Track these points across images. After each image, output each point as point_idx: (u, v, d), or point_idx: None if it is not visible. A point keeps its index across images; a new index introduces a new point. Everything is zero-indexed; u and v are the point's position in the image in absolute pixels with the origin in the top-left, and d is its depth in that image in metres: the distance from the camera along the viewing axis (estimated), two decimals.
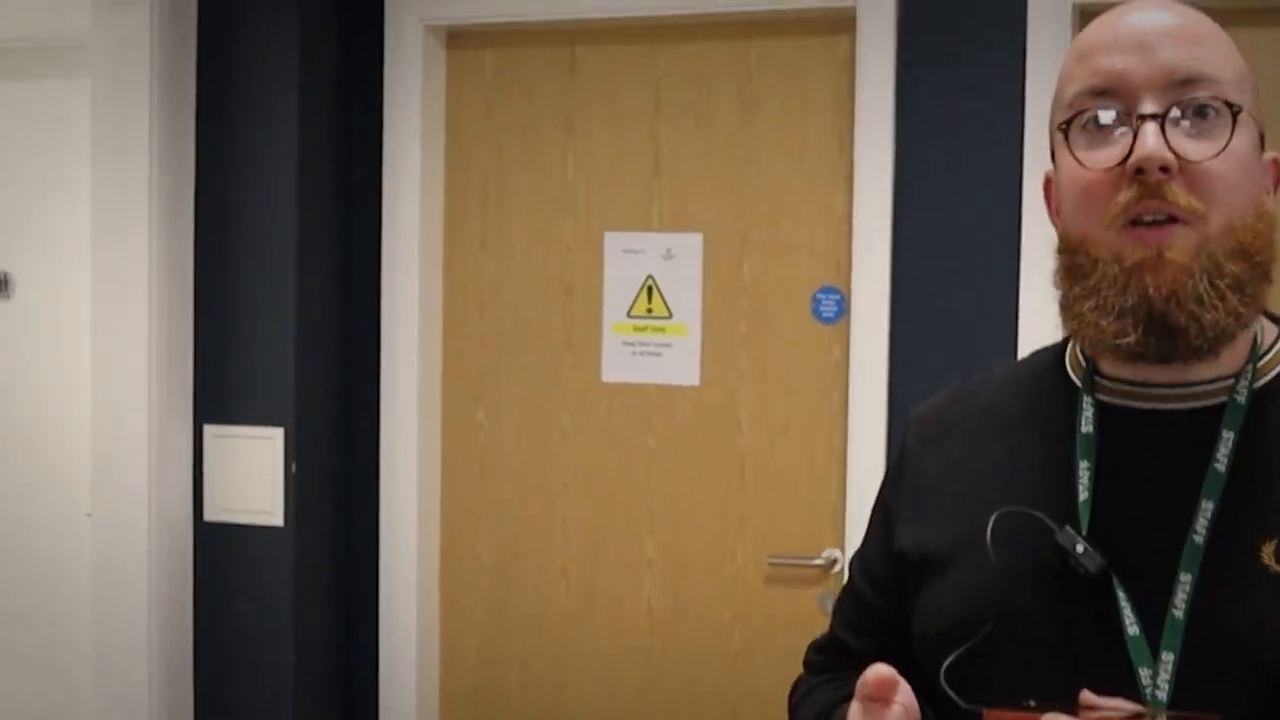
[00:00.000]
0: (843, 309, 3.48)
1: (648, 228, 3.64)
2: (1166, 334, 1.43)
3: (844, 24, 3.44)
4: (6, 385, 4.39)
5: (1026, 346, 3.24)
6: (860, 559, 1.79)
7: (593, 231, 3.69)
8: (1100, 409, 1.54)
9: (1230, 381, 1.50)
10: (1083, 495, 1.50)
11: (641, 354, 3.66)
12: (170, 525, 3.59)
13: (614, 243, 3.67)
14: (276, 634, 3.59)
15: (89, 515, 3.68)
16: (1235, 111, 1.45)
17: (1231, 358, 1.49)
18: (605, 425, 3.70)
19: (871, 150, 3.36)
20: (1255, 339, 1.52)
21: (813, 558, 3.52)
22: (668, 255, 3.62)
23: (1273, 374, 1.52)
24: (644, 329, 3.65)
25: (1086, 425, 1.54)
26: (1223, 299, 1.43)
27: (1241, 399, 1.49)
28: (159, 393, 3.55)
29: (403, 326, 3.72)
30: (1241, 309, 1.44)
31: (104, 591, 3.60)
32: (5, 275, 4.40)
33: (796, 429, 3.54)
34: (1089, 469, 1.51)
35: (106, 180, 3.57)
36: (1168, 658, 1.41)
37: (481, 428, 3.79)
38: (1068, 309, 1.50)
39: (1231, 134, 1.44)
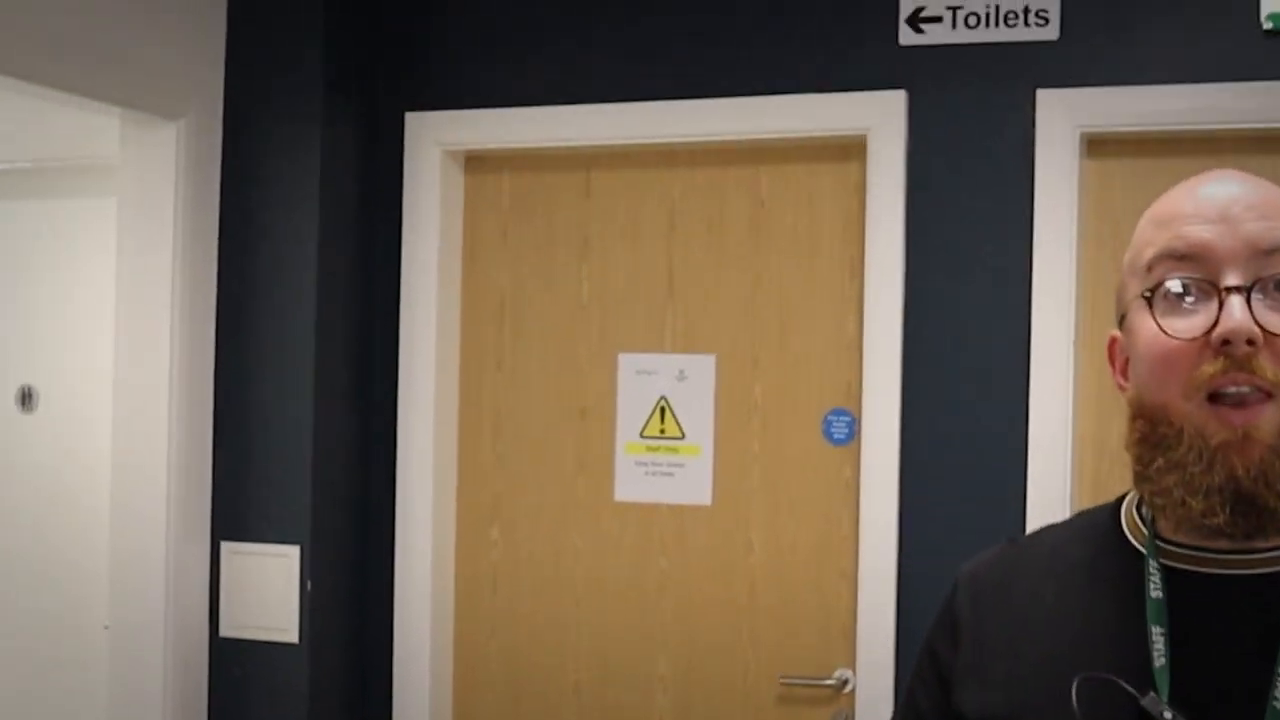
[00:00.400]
0: (853, 431, 3.51)
1: (661, 349, 3.69)
2: (1255, 514, 1.43)
3: (855, 150, 3.50)
4: (28, 497, 4.45)
5: (1036, 473, 3.28)
6: (905, 716, 1.76)
7: (607, 352, 3.74)
8: (1167, 574, 1.52)
9: None
10: (1159, 661, 1.47)
11: (654, 474, 3.69)
12: (186, 640, 3.61)
13: (628, 364, 3.72)
14: None
15: (107, 628, 3.70)
16: None
17: None
18: (618, 544, 3.73)
19: (881, 275, 3.41)
20: None
21: (824, 678, 3.53)
22: (681, 376, 3.67)
23: None
24: (657, 449, 3.69)
25: (1155, 590, 1.51)
26: None
27: None
28: (177, 509, 3.59)
29: (418, 445, 3.76)
30: None
31: (121, 704, 3.61)
32: (29, 389, 4.47)
33: (807, 549, 3.57)
34: (1163, 634, 1.48)
35: (130, 297, 3.62)
36: None
37: (495, 545, 3.83)
38: (1150, 480, 1.49)
39: None
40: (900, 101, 3.41)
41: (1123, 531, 1.60)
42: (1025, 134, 3.32)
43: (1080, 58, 3.30)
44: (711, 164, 3.66)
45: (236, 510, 3.66)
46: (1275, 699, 1.41)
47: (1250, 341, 1.41)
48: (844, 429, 3.53)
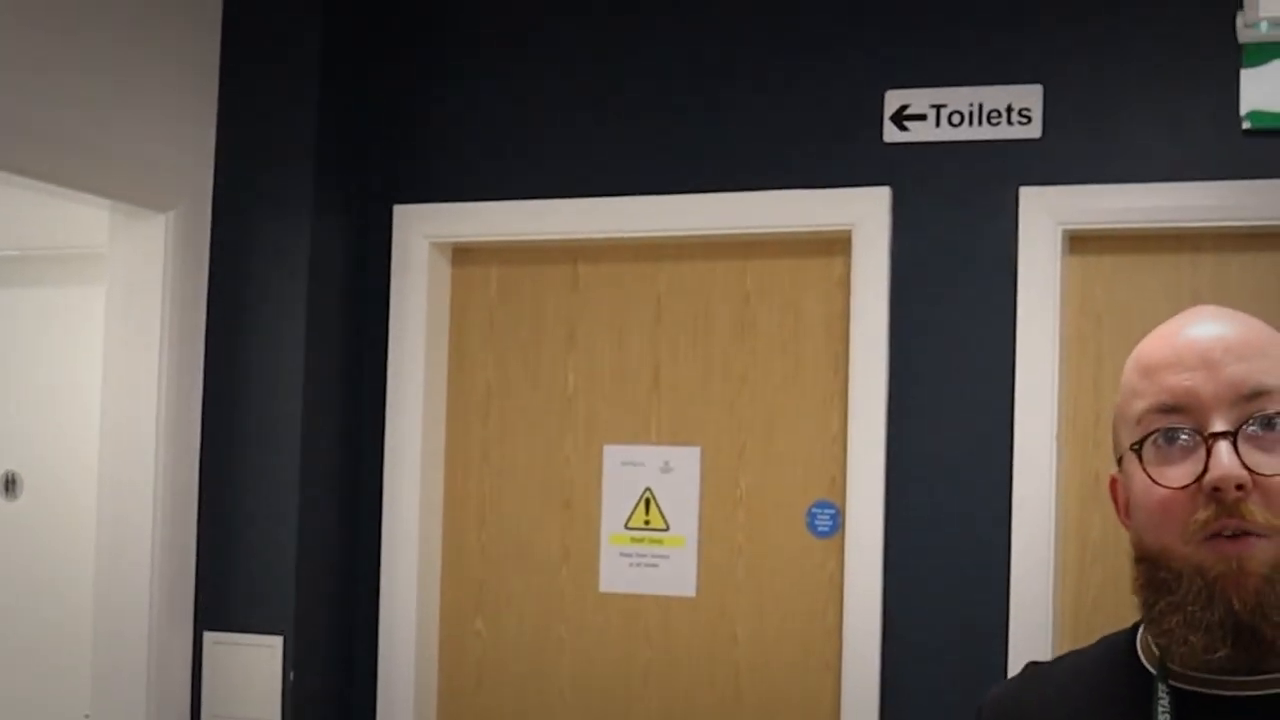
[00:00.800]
0: (837, 523, 3.53)
1: (647, 440, 3.71)
2: (1256, 646, 1.46)
3: (839, 246, 3.53)
4: (10, 585, 4.44)
5: (1019, 567, 3.29)
6: None
7: (592, 444, 3.75)
8: (1176, 696, 1.55)
9: None
10: None
11: (639, 565, 3.70)
12: None
13: (613, 455, 3.73)
14: None
15: (87, 717, 3.68)
16: None
17: None
18: (602, 635, 3.73)
19: (865, 369, 3.44)
20: None
21: None
22: (666, 468, 3.68)
23: None
24: (641, 540, 3.70)
25: (1164, 713, 1.55)
26: None
27: None
28: (161, 597, 3.58)
29: (403, 536, 3.77)
30: None
31: None
32: (12, 475, 4.47)
33: (792, 641, 3.57)
34: None
35: (116, 385, 3.63)
36: None
37: (480, 636, 3.82)
38: (1154, 622, 1.54)
39: None
40: (885, 198, 3.44)
41: (1137, 655, 1.64)
42: (1008, 230, 3.36)
43: (1062, 155, 3.34)
44: (698, 258, 3.69)
45: (220, 600, 3.66)
46: None
47: (1240, 486, 1.45)
48: (828, 521, 3.54)
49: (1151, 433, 1.52)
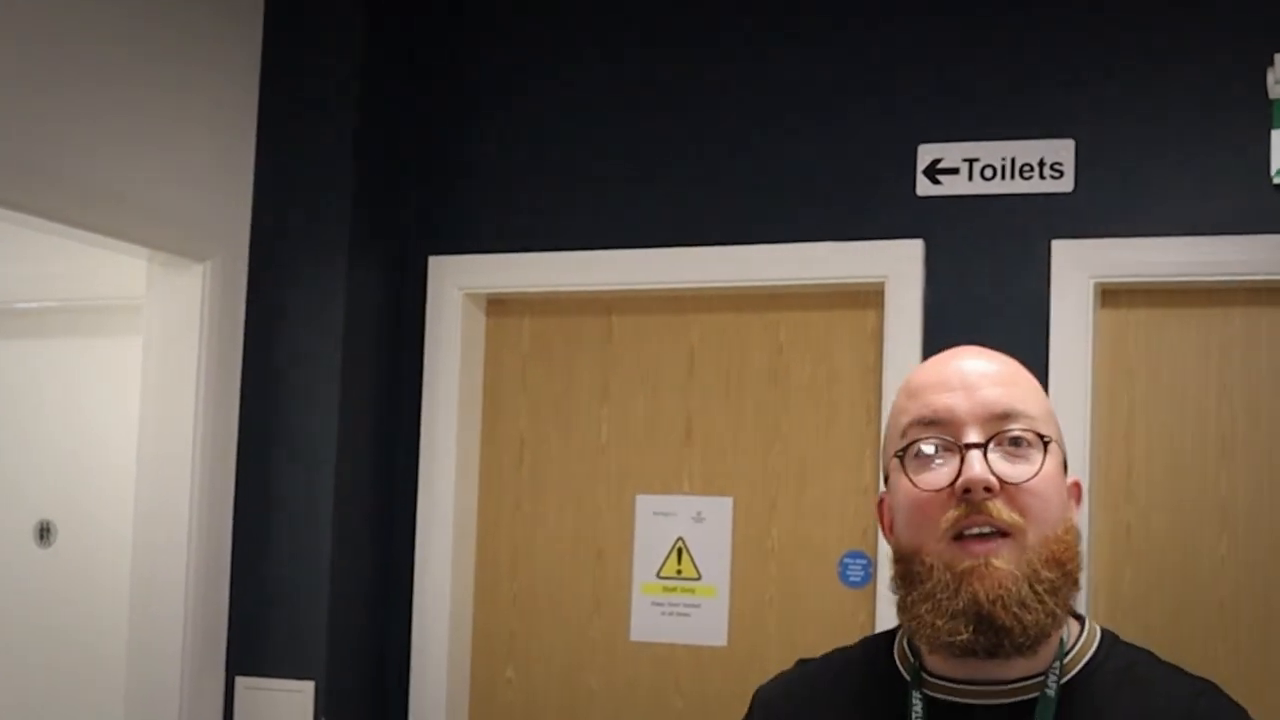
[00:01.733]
0: (869, 574, 3.54)
1: (679, 490, 3.73)
2: (994, 632, 1.62)
3: (872, 298, 3.56)
4: (44, 631, 4.46)
5: None
6: None
7: (625, 494, 3.78)
8: (928, 703, 1.73)
9: (1042, 678, 1.69)
10: None
11: (670, 614, 3.71)
12: None
13: (645, 505, 3.75)
14: None
15: None
16: (1046, 441, 1.69)
17: (1045, 652, 1.69)
18: (633, 684, 3.73)
19: None
20: (1062, 638, 1.72)
21: None
22: (698, 518, 3.70)
23: (1078, 668, 1.73)
24: (673, 589, 3.71)
25: (916, 718, 1.72)
26: (1040, 602, 1.63)
27: (1051, 693, 1.68)
28: (193, 643, 3.59)
29: (435, 583, 3.78)
30: (1056, 610, 1.65)
31: None
32: (47, 524, 4.49)
33: None
34: None
35: (152, 433, 3.65)
36: None
37: (511, 684, 3.83)
38: (906, 610, 1.69)
39: (1043, 460, 1.68)
40: (917, 250, 3.47)
41: (894, 662, 1.81)
42: (1040, 283, 3.38)
43: (1095, 209, 3.37)
44: (731, 309, 3.72)
45: (252, 645, 3.67)
46: None
47: (988, 489, 1.64)
48: (860, 571, 3.55)
49: (913, 443, 1.71)
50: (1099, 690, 1.71)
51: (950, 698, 1.72)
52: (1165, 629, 3.23)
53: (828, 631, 3.57)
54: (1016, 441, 1.68)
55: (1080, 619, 1.79)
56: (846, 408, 3.60)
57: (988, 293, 3.43)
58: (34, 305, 4.45)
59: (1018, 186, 3.42)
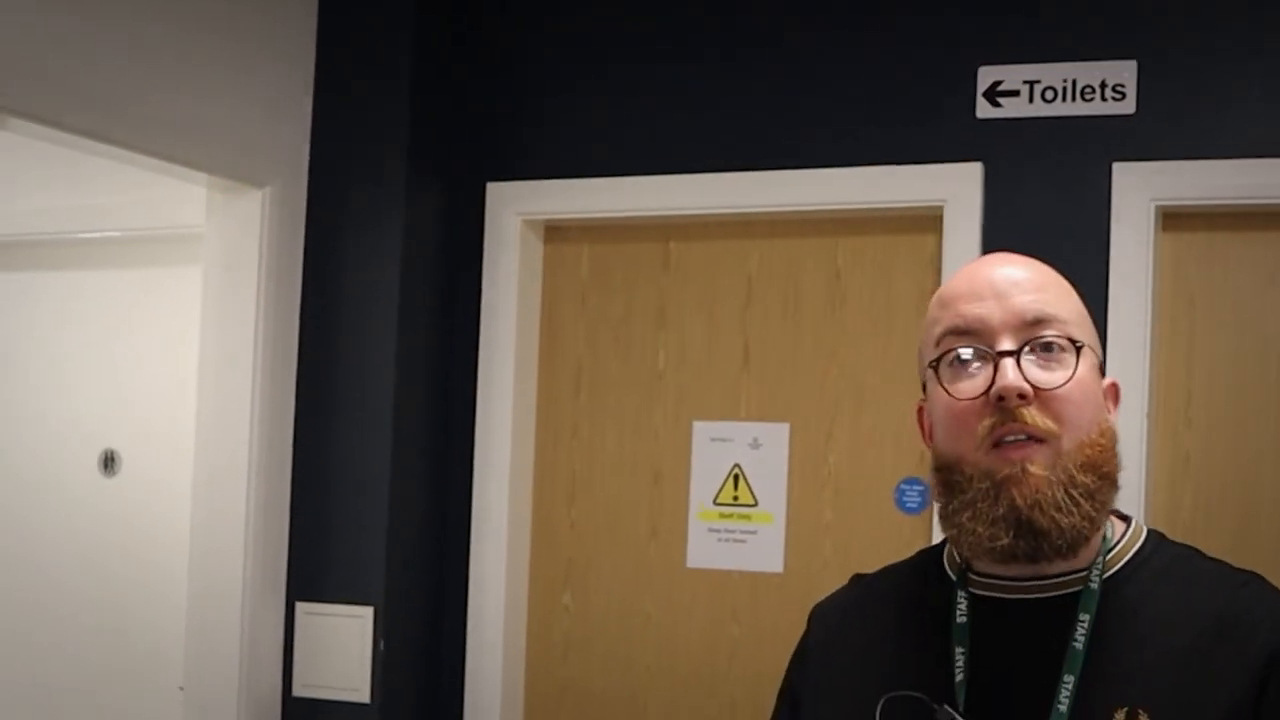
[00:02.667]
0: (926, 500, 3.52)
1: (736, 417, 3.72)
2: (1032, 535, 1.67)
3: (931, 223, 3.53)
4: (107, 560, 4.51)
5: None
6: None
7: (682, 420, 3.77)
8: (973, 601, 1.77)
9: (1085, 573, 1.73)
10: (959, 676, 1.73)
11: (726, 541, 3.71)
12: (260, 700, 3.65)
13: (702, 431, 3.75)
14: None
15: (182, 689, 3.74)
16: (1079, 346, 1.72)
17: (1086, 552, 1.73)
18: (689, 611, 3.74)
19: None
20: (1105, 534, 1.76)
21: None
22: (755, 444, 3.69)
23: (1121, 563, 1.76)
24: (730, 516, 3.71)
25: (961, 616, 1.77)
26: (1077, 505, 1.67)
27: (1095, 586, 1.72)
28: (254, 570, 3.63)
29: (493, 509, 3.80)
30: (1093, 514, 1.70)
31: None
32: (112, 453, 4.53)
33: None
34: (963, 653, 1.74)
35: (212, 361, 3.69)
36: None
37: (568, 611, 3.85)
38: (948, 519, 1.75)
39: (1076, 365, 1.71)
40: (976, 174, 3.44)
41: (944, 566, 1.86)
42: (1101, 207, 3.34)
43: (1157, 131, 3.32)
44: (789, 235, 3.70)
45: (312, 571, 3.70)
46: (1059, 703, 1.66)
47: (1021, 396, 1.68)
48: (916, 498, 3.54)
49: (947, 352, 1.74)
50: (1142, 584, 1.74)
51: (995, 594, 1.76)
52: (1224, 557, 3.19)
53: (884, 558, 3.49)
54: (1049, 347, 1.71)
55: (1126, 518, 1.83)
56: (904, 333, 3.58)
57: (1047, 216, 3.39)
58: (97, 235, 4.48)
59: (1079, 109, 3.37)
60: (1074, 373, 1.70)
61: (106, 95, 3.20)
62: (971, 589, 1.78)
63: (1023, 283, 1.75)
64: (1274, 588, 1.76)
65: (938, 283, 3.49)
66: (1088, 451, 1.70)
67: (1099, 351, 1.77)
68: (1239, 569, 1.80)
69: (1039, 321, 1.71)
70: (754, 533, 3.69)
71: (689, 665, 3.73)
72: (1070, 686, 1.66)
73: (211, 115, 3.48)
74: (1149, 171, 3.31)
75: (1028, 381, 1.68)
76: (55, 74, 3.08)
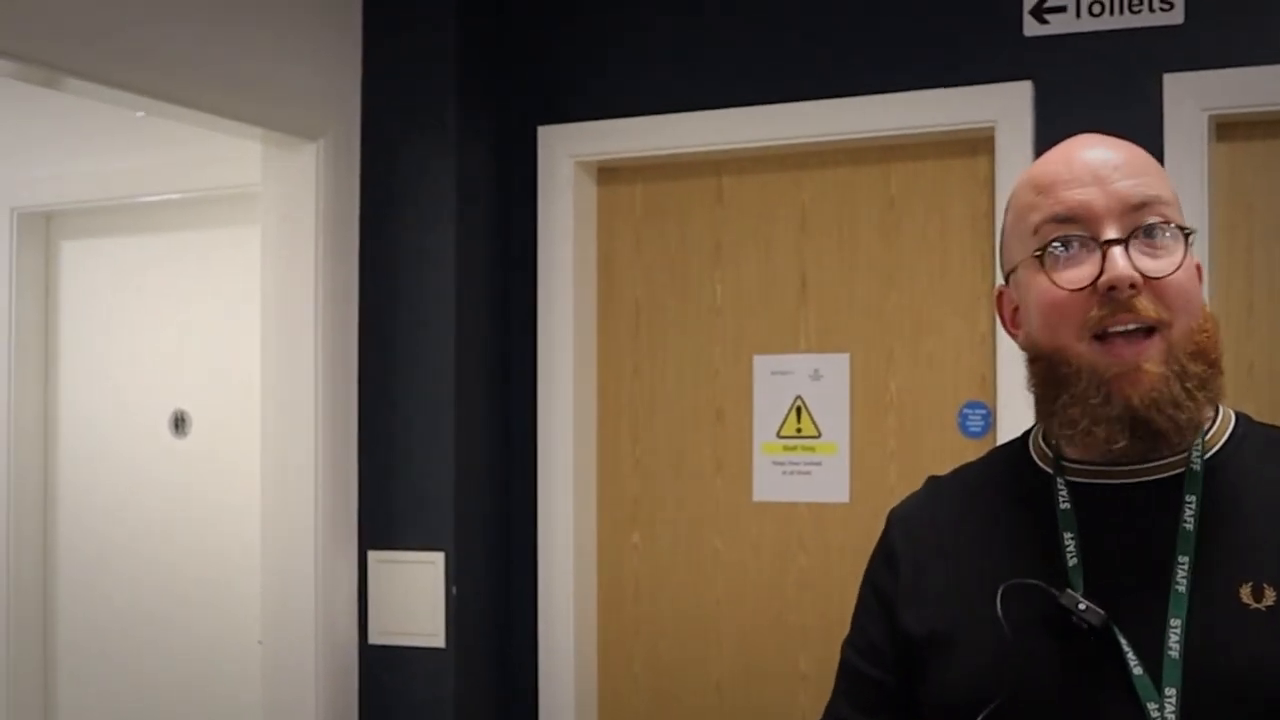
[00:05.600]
0: (989, 423, 3.52)
1: (796, 349, 3.73)
2: (1150, 436, 1.65)
3: (983, 145, 3.51)
4: (182, 519, 4.57)
5: None
6: (856, 645, 1.93)
7: (742, 355, 3.78)
8: (1073, 489, 1.73)
9: (1184, 455, 1.69)
10: (1072, 562, 1.69)
11: (791, 473, 3.72)
12: (336, 649, 3.69)
13: (763, 365, 3.76)
14: None
15: (261, 643, 3.79)
16: (1186, 233, 1.69)
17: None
18: (757, 544, 3.76)
19: None
20: None
21: None
22: (816, 375, 3.70)
23: (1220, 444, 1.72)
24: (794, 448, 3.72)
25: (1064, 503, 1.73)
26: (1192, 399, 1.65)
27: (1198, 468, 1.68)
28: (325, 522, 3.67)
29: (559, 451, 3.83)
30: (1207, 403, 1.68)
31: (276, 714, 3.71)
32: (182, 414, 4.58)
33: None
34: (1073, 539, 1.71)
35: (275, 316, 3.73)
36: (1170, 693, 1.59)
37: (637, 549, 3.87)
38: (1057, 413, 1.69)
39: (1185, 252, 1.67)
40: (1026, 93, 3.42)
41: (1032, 458, 1.82)
42: (1153, 120, 3.31)
43: (1206, 40, 3.29)
44: (840, 164, 3.69)
45: (382, 520, 3.74)
46: (1177, 583, 1.63)
47: (1132, 286, 1.63)
48: (979, 422, 3.53)
49: (1051, 241, 1.68)
50: (1242, 463, 1.71)
51: (1093, 480, 1.73)
52: None
53: None
54: (1152, 233, 1.66)
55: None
56: (960, 257, 3.57)
57: (1099, 129, 3.35)
58: (158, 198, 4.52)
59: (1126, 21, 3.35)
60: (1183, 259, 1.66)
61: (158, 53, 3.23)
62: (1069, 477, 1.74)
63: (1123, 166, 1.70)
64: None
65: (991, 205, 3.48)
66: (1197, 339, 1.66)
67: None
68: None
69: (1144, 206, 1.67)
70: (819, 464, 3.69)
71: (759, 598, 3.75)
72: (1186, 567, 1.63)
73: (263, 70, 3.50)
74: (1200, 81, 3.28)
75: (1136, 270, 1.64)
76: (108, 33, 3.11)
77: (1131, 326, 1.64)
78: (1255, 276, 3.33)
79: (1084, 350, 1.65)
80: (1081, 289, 1.65)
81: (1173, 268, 1.65)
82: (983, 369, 3.53)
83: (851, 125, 3.59)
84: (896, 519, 1.94)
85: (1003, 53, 3.45)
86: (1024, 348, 1.76)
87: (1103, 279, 1.64)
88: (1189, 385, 1.64)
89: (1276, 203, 3.32)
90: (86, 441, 4.77)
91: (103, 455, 4.74)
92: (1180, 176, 3.26)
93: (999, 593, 1.67)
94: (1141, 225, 1.66)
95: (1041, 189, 1.72)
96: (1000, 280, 1.83)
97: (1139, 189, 1.67)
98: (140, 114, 3.54)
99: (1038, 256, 1.69)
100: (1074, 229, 1.67)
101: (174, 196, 4.50)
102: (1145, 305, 1.63)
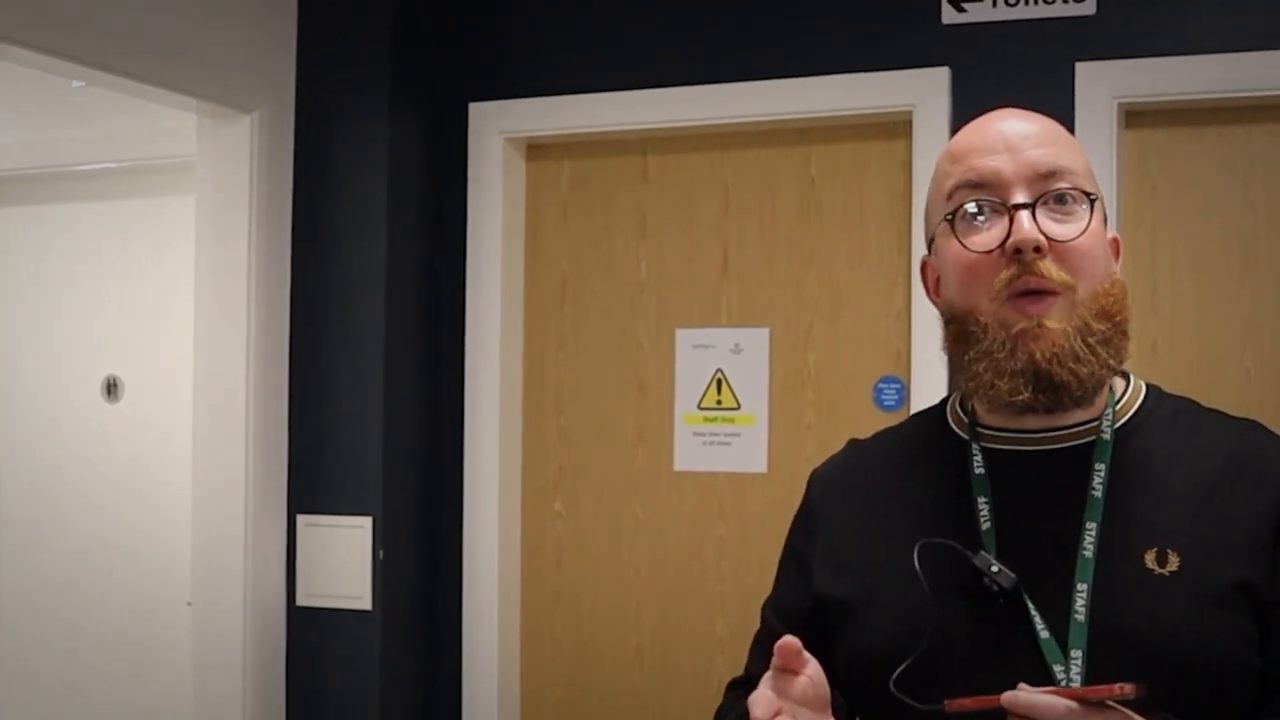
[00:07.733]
0: (903, 397, 3.62)
1: (717, 324, 3.82)
2: (1052, 389, 1.71)
3: (901, 129, 3.61)
4: (114, 483, 4.61)
5: None
6: (774, 606, 2.02)
7: (664, 329, 3.87)
8: (987, 454, 1.81)
9: (1095, 424, 1.78)
10: (985, 526, 1.76)
11: (711, 444, 3.81)
12: (264, 610, 3.75)
13: (685, 338, 3.84)
14: (364, 713, 3.73)
15: (189, 604, 3.84)
16: (1092, 199, 1.76)
17: (1098, 403, 1.78)
18: (677, 512, 3.85)
19: None
20: (1111, 388, 1.80)
21: None
22: (736, 349, 3.79)
23: (1129, 414, 1.81)
24: (714, 419, 3.81)
25: (979, 468, 1.80)
26: (1094, 354, 1.72)
27: (1108, 436, 1.77)
28: (255, 486, 3.73)
29: (485, 421, 3.90)
30: (1110, 360, 1.74)
31: (203, 675, 3.76)
32: (115, 379, 4.63)
33: None
34: (987, 503, 1.77)
35: (208, 285, 3.77)
36: (1076, 655, 1.66)
37: (560, 517, 3.96)
38: (964, 370, 1.77)
39: (1090, 218, 1.74)
40: (944, 78, 3.52)
41: (948, 424, 1.90)
42: (1065, 107, 3.39)
43: (1118, 30, 3.39)
44: (763, 145, 3.78)
45: (311, 485, 3.80)
46: (1084, 548, 1.70)
47: (1037, 249, 1.70)
48: (894, 396, 3.63)
49: (961, 205, 1.76)
50: (1151, 433, 1.79)
51: (1008, 446, 1.80)
52: None
53: None
54: (1062, 199, 1.73)
55: (1125, 375, 1.85)
56: (878, 236, 3.67)
57: None
58: (94, 167, 4.55)
59: (1041, 11, 3.45)
60: (1088, 224, 1.73)
61: (95, 22, 3.26)
62: (984, 443, 1.82)
63: (1033, 136, 1.77)
64: (1273, 433, 1.82)
65: (909, 187, 3.58)
66: (1102, 300, 1.72)
67: (1104, 205, 1.79)
68: (1238, 416, 1.86)
69: (1052, 174, 1.73)
70: (738, 435, 3.79)
71: (679, 566, 3.84)
72: (1093, 533, 1.69)
73: (200, 43, 3.55)
74: (1110, 70, 3.39)
75: (1043, 234, 1.70)
76: (47, 1, 3.15)
77: (1038, 289, 1.70)
78: (1159, 257, 3.44)
79: (994, 309, 1.72)
80: (989, 251, 1.72)
81: (1078, 232, 1.72)
82: (898, 344, 3.63)
83: (774, 107, 3.67)
84: (816, 479, 2.02)
85: (922, 39, 3.55)
86: (942, 312, 1.83)
87: (1010, 241, 1.70)
88: (1090, 340, 1.70)
89: (1180, 187, 3.44)
90: (19, 405, 4.81)
91: (35, 419, 4.78)
92: (1090, 162, 3.35)
93: (915, 550, 1.71)
94: (1050, 191, 1.72)
95: (956, 158, 1.79)
96: (925, 252, 1.89)
97: (1048, 158, 1.74)
98: (79, 84, 3.58)
99: (949, 220, 1.77)
100: (984, 194, 1.74)
101: (110, 165, 4.53)
102: (1049, 268, 1.70)
